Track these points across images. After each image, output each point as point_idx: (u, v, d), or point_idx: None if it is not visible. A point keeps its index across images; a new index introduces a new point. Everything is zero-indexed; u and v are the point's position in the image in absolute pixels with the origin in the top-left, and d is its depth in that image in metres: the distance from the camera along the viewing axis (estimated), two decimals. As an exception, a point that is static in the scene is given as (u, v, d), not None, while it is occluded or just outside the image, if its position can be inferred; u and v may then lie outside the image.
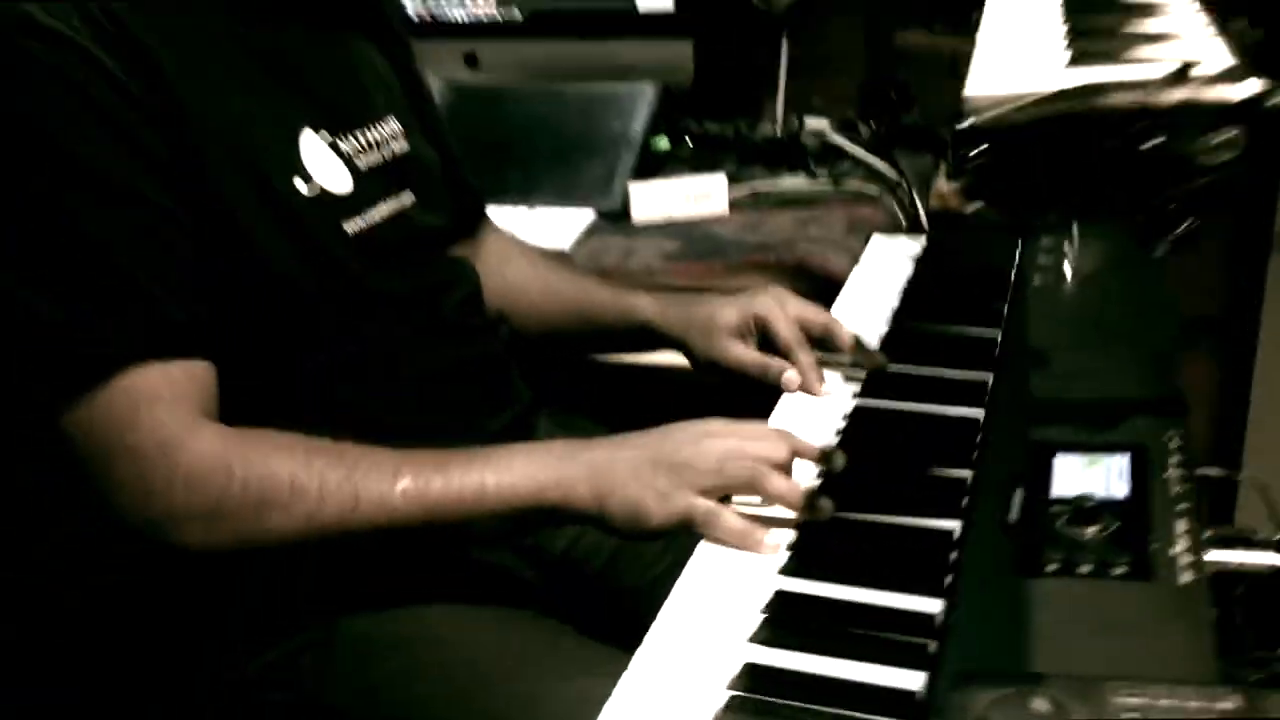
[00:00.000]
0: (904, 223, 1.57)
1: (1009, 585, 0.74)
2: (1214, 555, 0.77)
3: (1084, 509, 0.80)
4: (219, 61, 0.95)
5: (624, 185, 1.65)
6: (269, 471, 0.87)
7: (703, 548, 0.86)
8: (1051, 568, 0.75)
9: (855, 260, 1.39)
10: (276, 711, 0.98)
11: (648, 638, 0.77)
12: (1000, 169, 1.17)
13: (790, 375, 1.08)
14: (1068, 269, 1.21)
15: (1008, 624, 0.71)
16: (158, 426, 0.85)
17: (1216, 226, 1.86)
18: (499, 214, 1.40)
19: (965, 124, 1.24)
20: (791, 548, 0.86)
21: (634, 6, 1.80)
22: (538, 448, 0.92)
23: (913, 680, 0.72)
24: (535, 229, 1.56)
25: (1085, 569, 0.75)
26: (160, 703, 1.06)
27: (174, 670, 1.04)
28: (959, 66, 1.76)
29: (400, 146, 1.10)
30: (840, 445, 0.97)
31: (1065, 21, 1.43)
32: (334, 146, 1.02)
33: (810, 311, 1.12)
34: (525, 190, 1.69)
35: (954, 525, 0.84)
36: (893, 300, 1.25)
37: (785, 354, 1.10)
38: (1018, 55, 1.35)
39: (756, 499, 0.88)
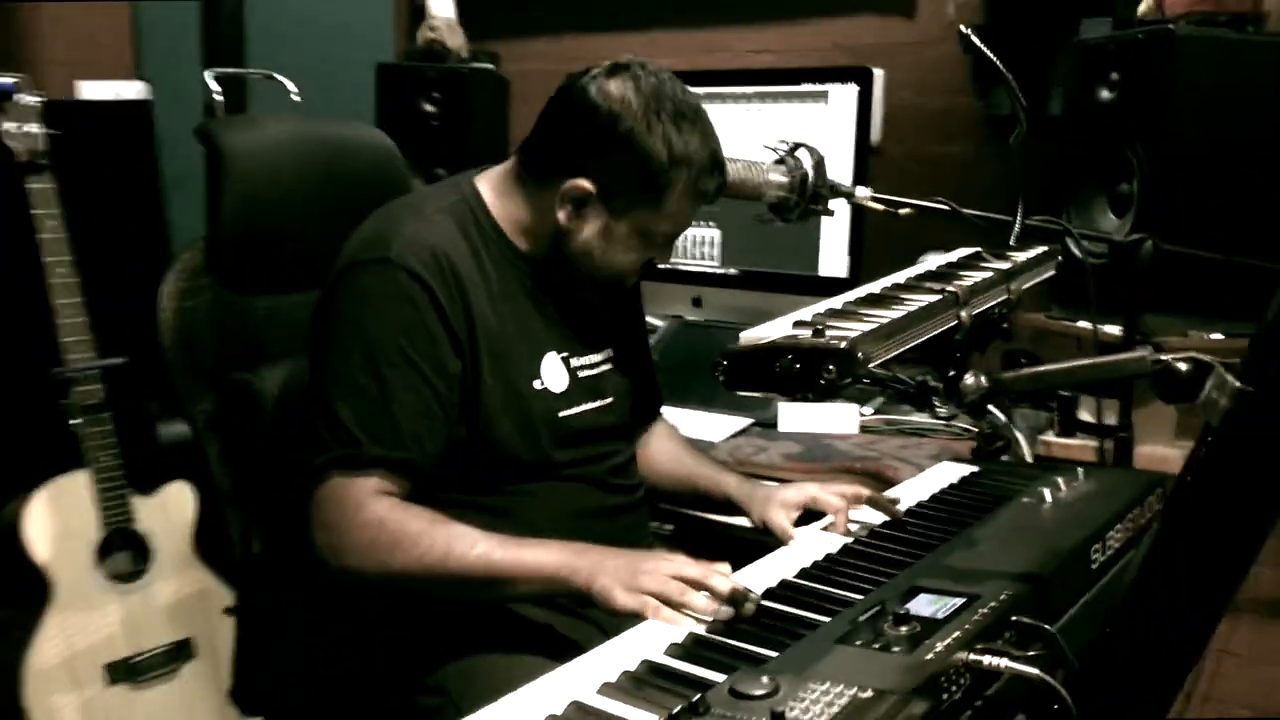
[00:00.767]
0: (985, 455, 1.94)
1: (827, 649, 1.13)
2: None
3: (907, 618, 1.17)
4: (505, 296, 1.52)
5: (777, 403, 2.12)
6: (404, 528, 1.39)
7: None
8: (856, 642, 1.13)
9: (918, 472, 1.79)
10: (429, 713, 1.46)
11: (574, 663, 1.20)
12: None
13: (793, 537, 1.52)
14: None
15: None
16: (360, 501, 1.40)
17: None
18: (685, 412, 1.94)
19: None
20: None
21: (817, 271, 2.30)
22: (567, 545, 1.39)
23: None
24: (704, 425, 2.07)
25: (875, 646, 1.12)
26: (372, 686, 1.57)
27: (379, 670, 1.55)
28: (1081, 344, 2.17)
29: (606, 368, 1.65)
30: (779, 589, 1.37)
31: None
32: (565, 361, 1.58)
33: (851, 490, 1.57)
34: (707, 398, 2.20)
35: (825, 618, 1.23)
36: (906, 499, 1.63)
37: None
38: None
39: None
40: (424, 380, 1.42)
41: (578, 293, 1.61)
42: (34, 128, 2.25)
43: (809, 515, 1.62)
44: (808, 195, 1.70)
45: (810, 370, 0.95)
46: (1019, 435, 2.11)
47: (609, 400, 1.62)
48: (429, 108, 2.76)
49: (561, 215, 1.49)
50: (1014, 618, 1.20)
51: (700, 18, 2.81)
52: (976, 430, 1.98)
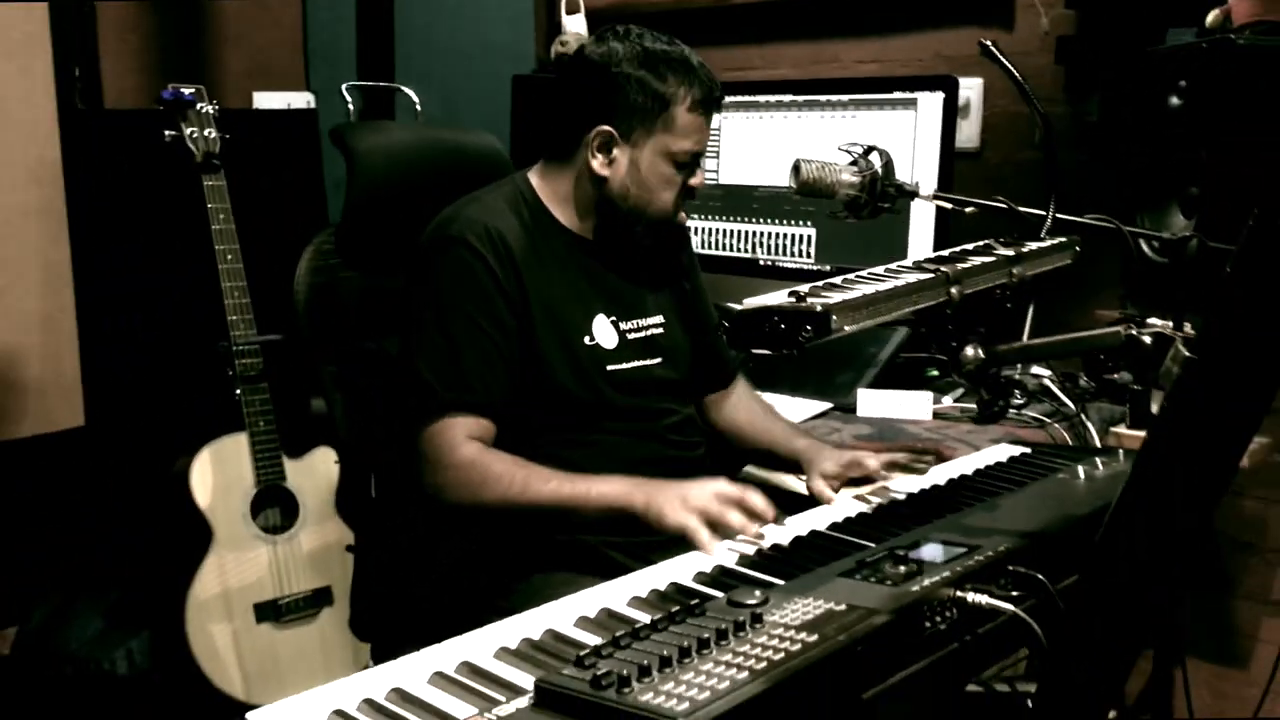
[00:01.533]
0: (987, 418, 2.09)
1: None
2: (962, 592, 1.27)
3: (907, 560, 1.32)
4: (556, 266, 1.77)
5: (857, 390, 2.27)
6: (490, 468, 1.63)
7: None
8: (855, 576, 1.29)
9: (972, 450, 1.92)
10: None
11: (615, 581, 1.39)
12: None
13: (834, 500, 1.69)
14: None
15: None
16: (452, 444, 1.64)
17: None
18: (772, 396, 2.18)
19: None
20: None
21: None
22: (627, 479, 1.61)
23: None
24: (788, 407, 2.24)
25: (871, 579, 1.28)
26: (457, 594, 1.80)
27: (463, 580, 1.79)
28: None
29: (657, 330, 1.87)
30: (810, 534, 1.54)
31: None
32: (615, 324, 1.81)
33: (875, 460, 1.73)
34: (796, 385, 2.36)
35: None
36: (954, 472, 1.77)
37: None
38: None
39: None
40: (485, 334, 1.67)
41: (625, 262, 1.84)
42: (210, 132, 2.58)
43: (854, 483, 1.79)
44: (877, 194, 1.86)
45: (792, 330, 1.13)
46: (1089, 425, 2.21)
47: (658, 360, 1.84)
48: (557, 116, 3.00)
49: (595, 165, 1.75)
50: (1010, 567, 1.34)
51: (813, 31, 2.98)
52: (988, 399, 2.10)
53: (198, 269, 2.62)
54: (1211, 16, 2.05)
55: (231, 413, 2.58)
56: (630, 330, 1.84)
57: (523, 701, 1.02)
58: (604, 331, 1.80)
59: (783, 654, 1.05)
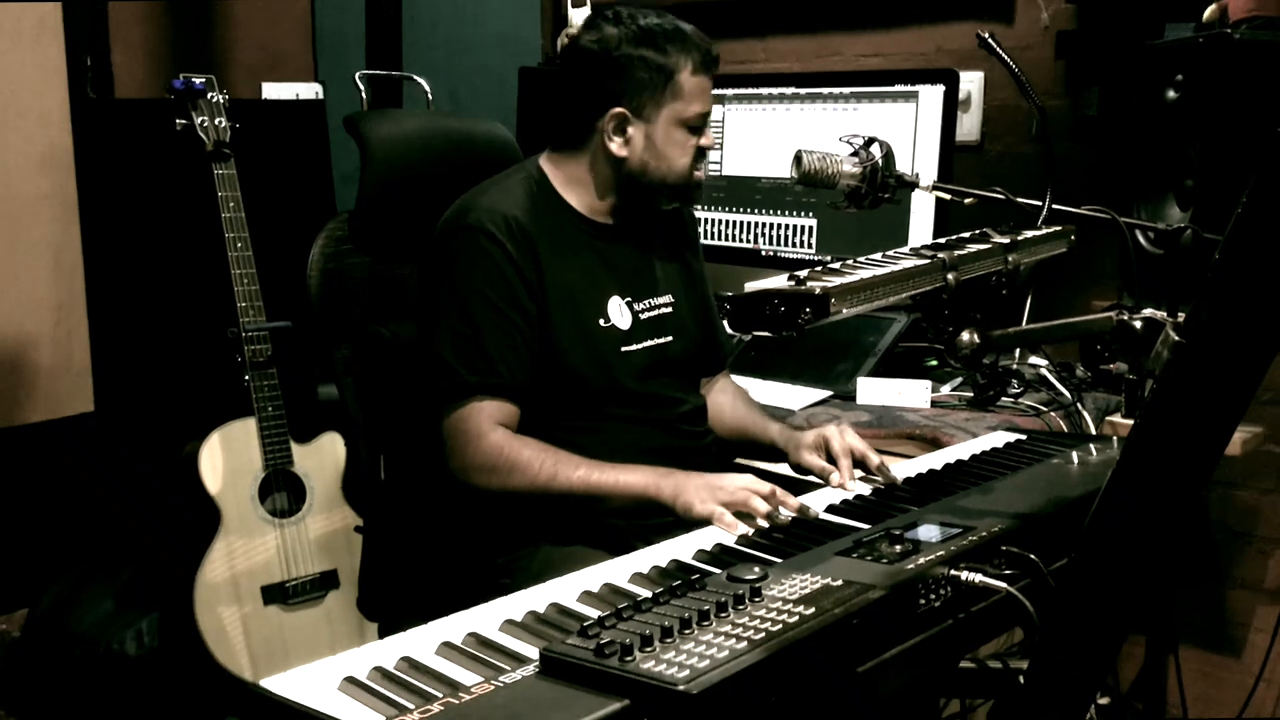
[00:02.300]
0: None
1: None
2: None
3: (902, 540, 1.36)
4: (570, 250, 1.81)
5: (857, 378, 2.31)
6: (519, 454, 1.67)
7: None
8: (852, 555, 1.32)
9: (970, 437, 1.95)
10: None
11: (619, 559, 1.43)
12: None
13: (833, 476, 1.71)
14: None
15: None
16: (481, 429, 1.68)
17: None
18: (773, 384, 2.23)
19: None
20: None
21: (904, 259, 2.48)
22: (653, 469, 1.64)
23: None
24: (789, 395, 2.28)
25: (868, 558, 1.31)
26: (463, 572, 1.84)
27: (468, 558, 1.83)
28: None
29: (667, 310, 1.91)
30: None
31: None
32: (629, 305, 1.85)
33: (857, 442, 1.74)
34: (795, 373, 2.40)
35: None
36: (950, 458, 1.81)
37: (833, 460, 1.73)
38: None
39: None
40: (505, 318, 1.71)
41: (636, 244, 1.88)
42: (220, 121, 2.61)
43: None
44: (877, 185, 1.89)
45: (792, 312, 1.16)
46: (1085, 414, 2.25)
47: (669, 339, 1.88)
48: (563, 107, 3.03)
49: (613, 146, 1.79)
50: (1004, 547, 1.37)
51: (814, 25, 3.01)
52: (984, 384, 2.15)
53: (207, 256, 2.65)
54: (1208, 11, 2.08)
55: (240, 398, 2.61)
56: (643, 310, 1.89)
57: (528, 670, 1.06)
58: (619, 313, 1.85)
59: (780, 625, 1.09)
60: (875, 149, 1.91)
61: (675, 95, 1.80)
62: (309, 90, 3.44)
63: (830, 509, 1.58)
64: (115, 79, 3.23)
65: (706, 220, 2.80)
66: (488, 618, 1.22)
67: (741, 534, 1.48)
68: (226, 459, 2.57)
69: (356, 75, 3.04)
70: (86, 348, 3.15)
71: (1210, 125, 2.01)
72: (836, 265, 1.31)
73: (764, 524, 1.51)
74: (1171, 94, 2.11)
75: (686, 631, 1.07)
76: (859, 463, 1.74)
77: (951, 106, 2.40)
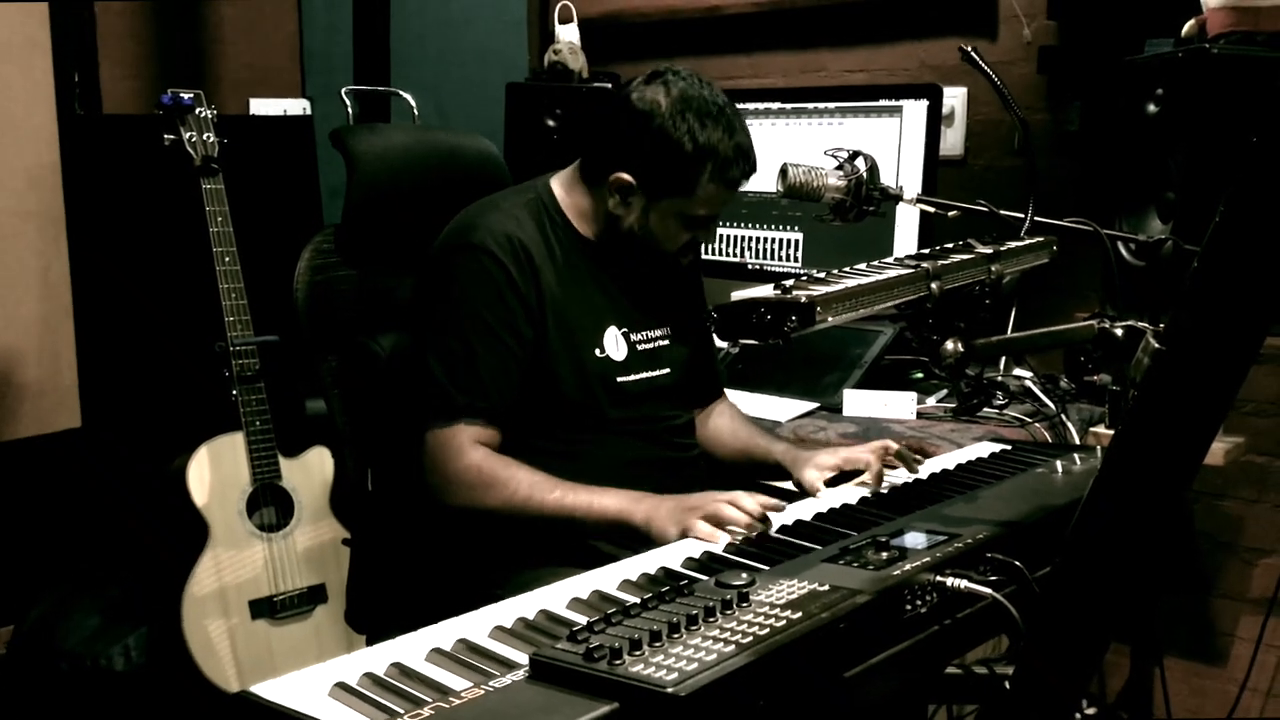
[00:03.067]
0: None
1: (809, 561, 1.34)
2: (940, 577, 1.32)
3: (889, 547, 1.37)
4: (572, 277, 1.81)
5: (843, 390, 2.32)
6: (496, 473, 1.67)
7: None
8: (839, 562, 1.34)
9: (955, 447, 1.97)
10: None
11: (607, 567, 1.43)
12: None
13: (820, 492, 1.74)
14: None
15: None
16: (461, 447, 1.69)
17: None
18: (760, 397, 2.25)
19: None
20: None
21: (890, 272, 2.49)
22: (628, 493, 1.65)
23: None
24: (775, 407, 2.29)
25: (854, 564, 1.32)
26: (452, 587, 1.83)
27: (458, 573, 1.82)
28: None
29: (664, 342, 1.91)
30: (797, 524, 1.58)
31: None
32: (625, 335, 1.85)
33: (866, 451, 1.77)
34: (782, 385, 2.41)
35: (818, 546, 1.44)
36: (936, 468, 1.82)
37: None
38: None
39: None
40: (501, 343, 1.71)
41: (637, 275, 1.87)
42: (208, 136, 2.62)
43: (847, 478, 1.83)
44: (862, 198, 1.90)
45: (778, 321, 1.17)
46: (1069, 425, 2.27)
47: (666, 370, 1.88)
48: (550, 123, 3.04)
49: (611, 204, 1.77)
50: (989, 554, 1.38)
51: (800, 41, 3.04)
52: (968, 393, 2.17)
53: (195, 271, 2.65)
54: (1187, 27, 2.11)
55: (228, 413, 2.61)
56: (640, 342, 1.87)
57: (518, 675, 1.07)
58: (614, 344, 1.83)
59: (768, 629, 1.10)
60: (860, 162, 1.92)
61: (686, 193, 1.74)
62: (297, 106, 3.45)
63: (818, 516, 1.59)
64: (103, 94, 3.23)
65: (693, 234, 2.82)
66: (478, 624, 1.23)
67: (729, 543, 1.49)
68: (214, 473, 2.57)
69: (343, 91, 3.06)
70: (74, 363, 3.15)
71: (1190, 138, 2.03)
72: (821, 274, 1.32)
73: (739, 534, 1.52)
74: (1152, 108, 2.13)
75: (675, 636, 1.08)
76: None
77: (935, 121, 2.43)
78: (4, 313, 3.05)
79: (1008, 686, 1.36)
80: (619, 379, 1.81)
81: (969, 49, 1.77)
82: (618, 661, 1.02)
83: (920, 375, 2.48)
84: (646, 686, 0.99)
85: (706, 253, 2.79)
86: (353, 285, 1.94)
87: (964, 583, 1.31)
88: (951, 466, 1.81)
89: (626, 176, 1.75)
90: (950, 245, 1.55)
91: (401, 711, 1.00)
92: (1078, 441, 2.24)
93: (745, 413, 2.11)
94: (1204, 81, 1.99)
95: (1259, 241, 1.10)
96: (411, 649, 1.16)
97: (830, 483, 1.80)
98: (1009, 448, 1.94)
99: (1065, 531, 1.30)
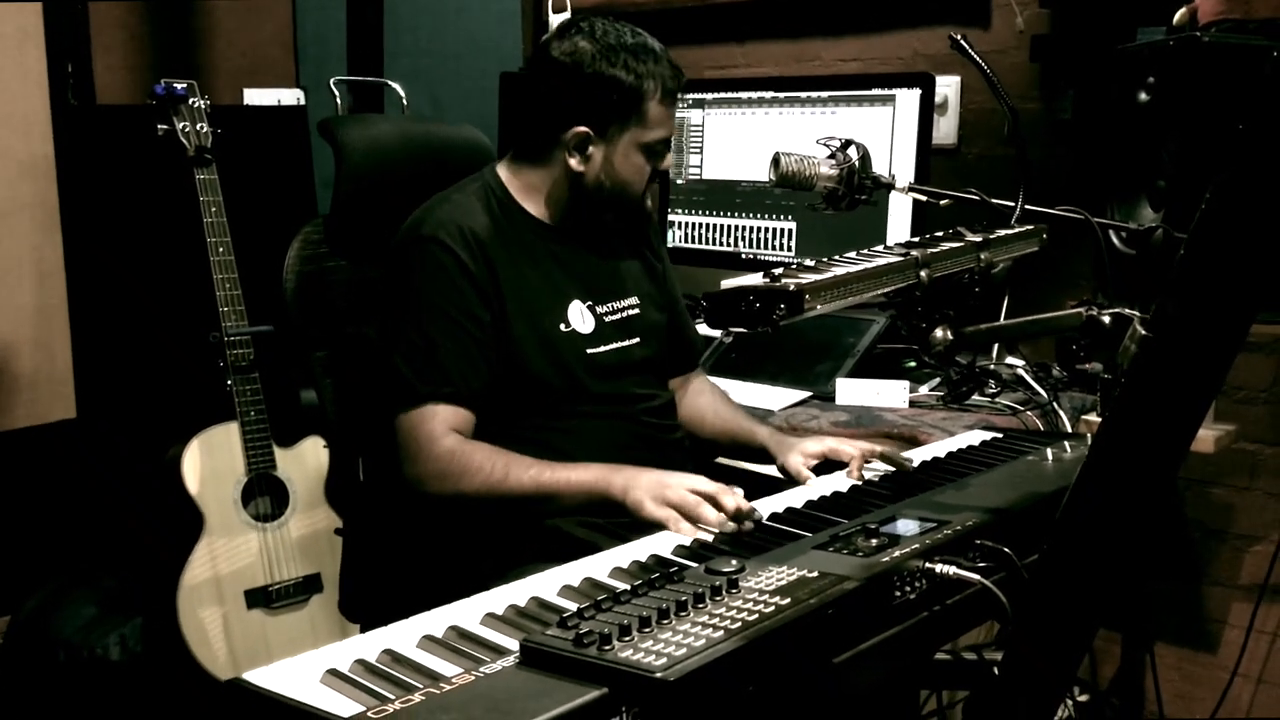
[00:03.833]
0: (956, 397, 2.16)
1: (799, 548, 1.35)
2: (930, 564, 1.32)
3: (878, 534, 1.38)
4: (527, 257, 1.82)
5: (836, 379, 2.33)
6: (470, 458, 1.68)
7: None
8: (829, 549, 1.34)
9: (947, 436, 1.98)
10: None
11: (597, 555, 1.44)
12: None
13: (810, 480, 1.75)
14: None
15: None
16: (432, 435, 1.69)
17: None
18: (754, 385, 2.27)
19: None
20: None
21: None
22: (605, 465, 1.66)
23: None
24: (769, 396, 2.30)
25: (844, 551, 1.33)
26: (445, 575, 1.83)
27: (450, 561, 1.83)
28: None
29: (633, 311, 1.92)
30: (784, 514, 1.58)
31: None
32: (591, 308, 1.86)
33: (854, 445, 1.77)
34: (775, 375, 2.42)
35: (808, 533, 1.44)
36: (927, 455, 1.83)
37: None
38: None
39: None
40: (460, 328, 1.72)
41: (597, 248, 1.89)
42: (202, 127, 2.62)
43: (832, 466, 1.83)
44: (855, 186, 1.91)
45: (767, 309, 1.18)
46: (1061, 413, 2.27)
47: (636, 340, 1.89)
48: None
49: (573, 163, 1.80)
50: (978, 540, 1.39)
51: (793, 30, 3.04)
52: (958, 380, 2.17)
53: (189, 261, 2.66)
54: (1178, 15, 2.11)
55: (223, 403, 2.62)
56: (607, 313, 1.89)
57: (509, 661, 1.07)
58: (580, 318, 1.85)
59: (757, 615, 1.10)
60: (852, 151, 1.92)
61: (640, 121, 1.79)
62: (290, 96, 3.44)
63: (808, 504, 1.60)
64: (96, 85, 3.23)
65: (687, 224, 2.82)
66: (469, 611, 1.23)
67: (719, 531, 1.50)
68: (209, 463, 2.58)
69: (332, 81, 3.06)
70: (68, 354, 3.15)
71: (1181, 127, 2.03)
72: (811, 262, 1.32)
73: (710, 532, 1.51)
74: (1143, 96, 2.13)
75: (664, 622, 1.09)
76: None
77: (928, 110, 2.43)
78: (-1, 303, 3.06)
79: (997, 672, 1.37)
80: (589, 350, 1.83)
81: (960, 38, 1.77)
82: (607, 647, 1.03)
83: (913, 364, 2.49)
84: (636, 671, 1.00)
85: (700, 242, 2.80)
86: (343, 275, 1.94)
87: (953, 569, 1.31)
88: (942, 454, 1.82)
89: (580, 129, 1.78)
90: (940, 234, 1.55)
91: (392, 697, 1.00)
92: (1070, 429, 2.24)
93: (726, 393, 2.12)
94: (1195, 69, 1.99)
95: (1246, 228, 1.10)
96: (403, 636, 1.17)
97: (815, 470, 1.81)
98: (1000, 436, 1.95)
99: (1054, 518, 1.32)
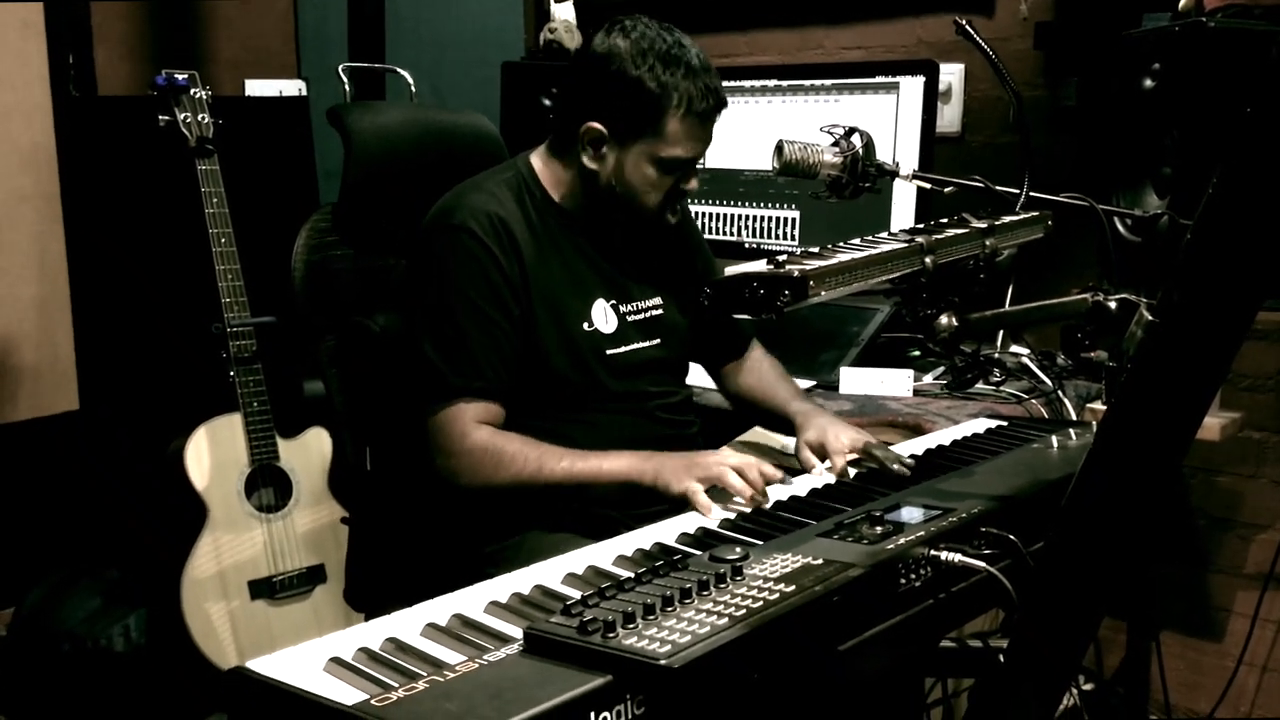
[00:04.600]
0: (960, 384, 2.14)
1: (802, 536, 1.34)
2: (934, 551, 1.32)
3: (883, 521, 1.37)
4: (555, 252, 1.81)
5: (840, 368, 2.32)
6: (503, 450, 1.68)
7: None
8: (834, 536, 1.34)
9: (951, 424, 1.97)
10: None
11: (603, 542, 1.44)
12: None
13: (816, 468, 1.73)
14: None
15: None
16: (465, 429, 1.69)
17: None
18: None
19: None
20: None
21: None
22: (635, 453, 1.65)
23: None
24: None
25: (849, 539, 1.33)
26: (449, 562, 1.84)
27: (454, 548, 1.83)
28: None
29: (657, 312, 1.91)
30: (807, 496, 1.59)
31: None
32: (615, 307, 1.85)
33: (848, 437, 1.76)
34: (780, 362, 2.41)
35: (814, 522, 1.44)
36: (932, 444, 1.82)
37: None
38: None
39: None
40: (489, 319, 1.71)
41: (626, 245, 1.87)
42: (203, 117, 2.62)
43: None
44: (858, 174, 1.90)
45: (771, 295, 1.17)
46: (1066, 402, 2.27)
47: (656, 341, 1.87)
48: (546, 101, 3.04)
49: (585, 159, 1.77)
50: (983, 528, 1.39)
51: (796, 18, 3.03)
52: (962, 368, 2.15)
53: (192, 252, 2.65)
54: (1184, 1, 2.10)
55: (226, 394, 2.61)
56: (630, 313, 1.87)
57: (512, 649, 1.07)
58: (603, 316, 1.84)
59: (761, 602, 1.10)
60: (856, 139, 1.91)
61: (656, 133, 1.73)
62: (292, 86, 3.44)
63: (813, 492, 1.59)
64: (98, 76, 3.23)
65: (691, 213, 2.81)
66: (473, 599, 1.23)
67: (724, 518, 1.50)
68: (212, 455, 2.57)
69: (340, 68, 3.05)
70: (71, 345, 3.15)
71: (1186, 113, 2.03)
72: (815, 249, 1.32)
73: (743, 504, 1.52)
74: (1148, 83, 2.12)
75: (669, 609, 1.08)
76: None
77: (932, 97, 2.42)
78: (1, 295, 3.05)
79: (1002, 660, 1.37)
80: (609, 351, 1.82)
81: (965, 23, 1.76)
82: (611, 635, 1.03)
83: (917, 353, 2.49)
84: (640, 659, 0.99)
85: (704, 232, 2.79)
86: (350, 264, 1.94)
87: (958, 556, 1.31)
88: (947, 442, 1.81)
89: (596, 125, 1.75)
90: (945, 220, 1.55)
91: (395, 685, 1.00)
92: (1074, 418, 2.24)
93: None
94: (1201, 56, 1.98)
95: (1252, 214, 1.09)
96: (407, 624, 1.17)
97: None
98: (1005, 424, 1.94)
99: (1059, 505, 1.32)
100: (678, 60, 1.72)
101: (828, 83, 2.57)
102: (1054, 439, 1.78)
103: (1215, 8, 2.02)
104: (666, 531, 1.46)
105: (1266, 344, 2.47)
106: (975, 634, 1.64)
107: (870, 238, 1.42)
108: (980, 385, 2.30)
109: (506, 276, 1.73)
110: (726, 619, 1.06)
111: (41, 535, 3.00)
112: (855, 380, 2.30)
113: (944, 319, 1.41)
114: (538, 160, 1.86)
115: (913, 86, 2.44)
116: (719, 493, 1.58)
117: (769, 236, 2.70)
